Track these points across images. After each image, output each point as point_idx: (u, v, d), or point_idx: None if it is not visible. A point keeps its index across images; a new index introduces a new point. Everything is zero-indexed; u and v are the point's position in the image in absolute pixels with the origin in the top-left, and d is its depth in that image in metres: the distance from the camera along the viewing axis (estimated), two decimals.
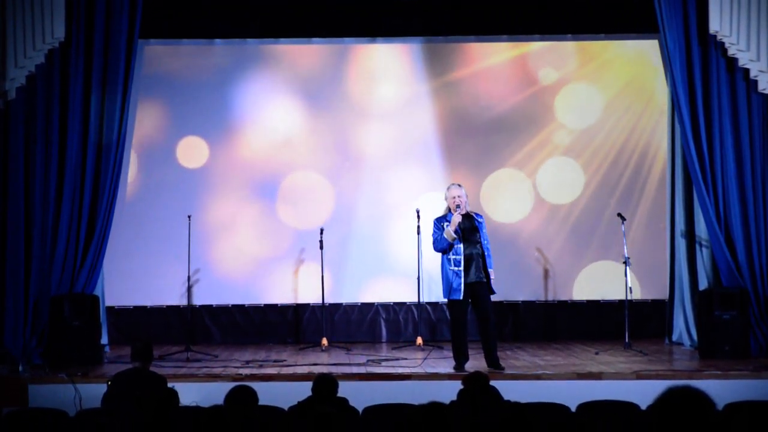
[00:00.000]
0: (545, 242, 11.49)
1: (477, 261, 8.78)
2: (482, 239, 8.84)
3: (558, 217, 11.51)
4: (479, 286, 8.77)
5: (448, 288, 8.79)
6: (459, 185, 9.01)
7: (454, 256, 8.77)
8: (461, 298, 8.73)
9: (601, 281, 11.42)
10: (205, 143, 11.40)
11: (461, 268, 8.73)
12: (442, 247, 8.84)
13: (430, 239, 9.00)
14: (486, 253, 8.83)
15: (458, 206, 8.78)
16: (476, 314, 8.92)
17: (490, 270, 8.82)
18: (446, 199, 8.97)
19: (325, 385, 5.99)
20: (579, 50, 11.57)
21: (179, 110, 11.39)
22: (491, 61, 11.56)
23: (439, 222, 8.90)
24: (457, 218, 8.74)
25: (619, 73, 11.55)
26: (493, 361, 8.75)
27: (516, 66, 11.56)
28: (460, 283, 8.71)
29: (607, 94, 11.54)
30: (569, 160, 11.51)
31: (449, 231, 8.74)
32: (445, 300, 9.03)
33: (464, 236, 8.81)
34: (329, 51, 11.56)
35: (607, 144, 11.51)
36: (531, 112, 11.52)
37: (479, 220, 8.94)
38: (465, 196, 8.92)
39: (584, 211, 11.49)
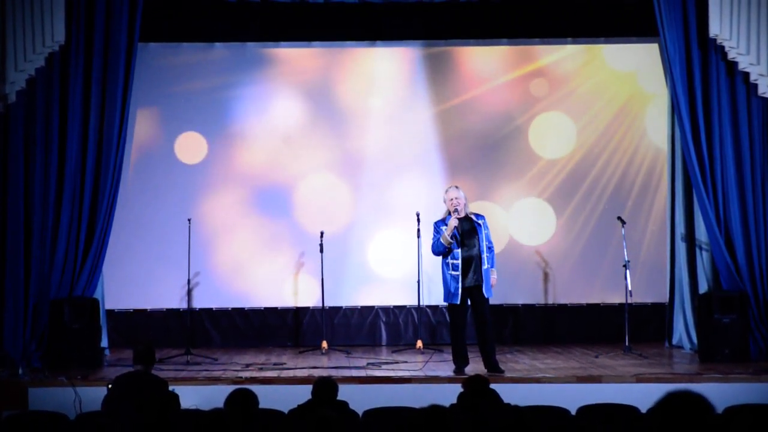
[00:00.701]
0: (545, 246, 11.49)
1: (475, 264, 8.74)
2: (481, 241, 8.79)
3: (556, 221, 11.52)
4: (477, 290, 8.74)
5: (447, 292, 8.77)
6: (457, 187, 8.91)
7: (452, 261, 8.74)
8: (459, 302, 8.71)
9: (600, 284, 11.43)
10: (203, 146, 11.40)
11: (459, 272, 8.69)
12: (440, 251, 8.81)
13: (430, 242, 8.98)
14: (487, 255, 8.77)
15: (456, 210, 8.74)
16: (474, 318, 8.90)
17: (491, 270, 8.78)
18: (445, 201, 8.94)
19: (326, 388, 5.98)
20: (580, 59, 11.59)
21: (178, 113, 11.38)
22: (491, 67, 11.58)
23: (438, 226, 8.85)
24: (453, 222, 8.67)
25: (619, 75, 11.57)
26: (491, 365, 8.73)
27: (517, 78, 11.56)
28: (458, 288, 8.68)
29: (605, 96, 11.54)
30: (567, 162, 11.52)
31: (445, 236, 8.69)
32: (445, 304, 9.03)
33: (462, 240, 8.78)
34: (329, 54, 11.56)
35: (605, 147, 11.52)
36: (532, 117, 11.53)
37: (479, 221, 8.84)
38: (464, 198, 8.84)
39: (583, 214, 11.50)
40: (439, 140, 11.52)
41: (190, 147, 11.40)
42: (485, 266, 8.72)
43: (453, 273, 8.70)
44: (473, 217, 8.89)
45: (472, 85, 11.55)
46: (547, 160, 11.51)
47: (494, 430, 4.87)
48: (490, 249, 8.83)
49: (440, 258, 8.88)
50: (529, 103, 11.52)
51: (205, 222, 11.25)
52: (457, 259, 8.70)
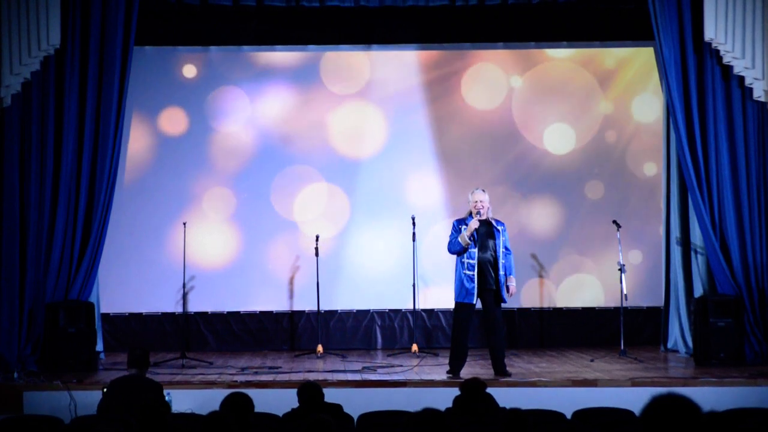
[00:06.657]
0: (540, 249, 11.49)
1: (488, 268, 8.77)
2: (497, 247, 8.80)
3: (553, 223, 11.53)
4: (489, 294, 8.77)
5: (461, 291, 8.76)
6: (483, 190, 8.98)
7: (468, 260, 8.76)
8: (473, 302, 8.74)
9: (596, 288, 11.43)
10: (200, 149, 11.39)
11: (474, 273, 8.71)
12: (456, 250, 8.84)
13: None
14: (504, 262, 8.78)
15: (478, 212, 8.77)
16: (486, 322, 8.94)
17: (509, 277, 8.82)
18: (469, 202, 8.95)
19: (311, 392, 5.96)
20: (576, 62, 11.60)
21: (174, 116, 11.38)
22: (487, 70, 11.59)
23: (458, 224, 8.89)
24: (474, 224, 8.72)
25: (614, 79, 11.59)
26: (500, 369, 8.77)
27: (512, 80, 11.56)
28: (474, 287, 8.70)
29: (601, 99, 11.56)
30: (565, 162, 11.53)
31: (464, 236, 8.73)
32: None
33: (479, 242, 8.80)
34: (324, 58, 11.56)
35: (602, 149, 11.54)
36: (527, 120, 11.54)
37: (498, 227, 8.89)
38: (487, 202, 8.89)
39: (580, 217, 11.51)
40: (435, 143, 11.52)
41: (186, 150, 11.39)
42: (501, 272, 8.76)
43: (468, 273, 8.72)
44: (493, 222, 8.93)
45: (468, 87, 11.56)
46: (543, 163, 11.52)
47: None
48: (506, 255, 8.86)
49: (454, 257, 8.90)
50: (527, 106, 11.53)
51: (200, 225, 11.24)
52: (473, 259, 8.73)
